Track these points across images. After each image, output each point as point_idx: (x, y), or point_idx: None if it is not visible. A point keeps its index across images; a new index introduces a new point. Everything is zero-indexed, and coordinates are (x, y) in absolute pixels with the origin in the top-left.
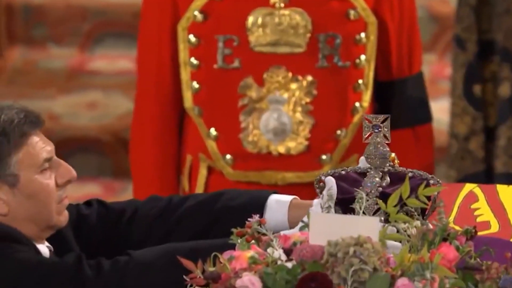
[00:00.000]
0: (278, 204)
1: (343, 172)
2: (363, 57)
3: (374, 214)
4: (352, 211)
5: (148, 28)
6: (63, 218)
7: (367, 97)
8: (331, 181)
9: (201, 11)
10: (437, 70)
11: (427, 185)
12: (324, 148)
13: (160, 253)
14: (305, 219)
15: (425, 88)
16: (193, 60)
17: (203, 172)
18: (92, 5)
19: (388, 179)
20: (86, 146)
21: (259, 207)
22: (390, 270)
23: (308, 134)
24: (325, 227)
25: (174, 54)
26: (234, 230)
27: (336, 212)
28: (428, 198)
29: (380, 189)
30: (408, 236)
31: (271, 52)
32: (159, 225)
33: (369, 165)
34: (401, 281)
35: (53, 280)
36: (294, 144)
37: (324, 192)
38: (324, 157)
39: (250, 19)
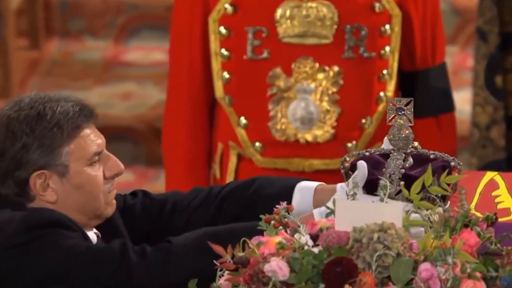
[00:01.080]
0: (304, 191)
1: (367, 154)
2: (387, 48)
3: (396, 195)
4: (374, 192)
5: (180, 20)
6: (111, 208)
7: (391, 86)
8: (362, 166)
9: (231, 4)
10: (460, 61)
11: (449, 167)
12: (350, 136)
13: (198, 237)
14: (330, 204)
15: (448, 78)
16: (224, 51)
17: (233, 160)
18: None
19: (411, 160)
20: (121, 135)
21: (288, 195)
22: (413, 255)
23: (334, 123)
24: (350, 213)
25: (205, 45)
26: (262, 216)
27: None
28: None
29: (403, 170)
30: (431, 222)
31: (298, 43)
32: (200, 215)
33: (392, 147)
34: (424, 266)
35: (100, 266)
36: (320, 132)
37: (350, 180)
38: (349, 145)
39: (279, 12)
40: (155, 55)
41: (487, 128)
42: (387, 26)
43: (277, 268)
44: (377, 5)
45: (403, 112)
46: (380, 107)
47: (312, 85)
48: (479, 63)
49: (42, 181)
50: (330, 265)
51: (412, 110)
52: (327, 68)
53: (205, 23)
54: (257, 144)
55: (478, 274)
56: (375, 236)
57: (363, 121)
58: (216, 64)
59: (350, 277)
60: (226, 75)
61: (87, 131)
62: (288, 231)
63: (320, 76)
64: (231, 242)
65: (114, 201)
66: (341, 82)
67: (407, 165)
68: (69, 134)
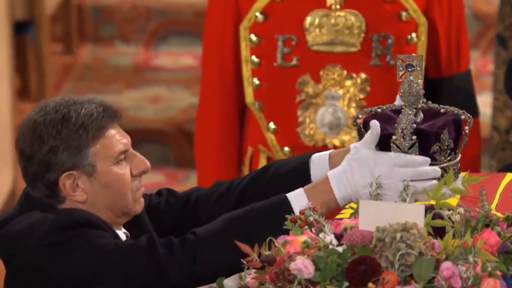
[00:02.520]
0: (319, 160)
1: (379, 110)
2: None
3: (409, 149)
4: (388, 148)
5: (212, 28)
6: (139, 206)
7: None
8: (376, 126)
9: (262, 12)
10: (481, 66)
11: (459, 120)
12: None
13: (222, 224)
14: (344, 163)
15: (473, 85)
16: (254, 58)
17: (263, 163)
18: (156, 5)
19: (422, 115)
20: (151, 137)
21: (305, 169)
22: (435, 254)
23: None
24: (374, 214)
25: (236, 52)
26: (288, 216)
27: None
28: (460, 133)
29: (415, 125)
30: (452, 222)
31: (327, 51)
32: (222, 207)
33: (403, 103)
34: (445, 265)
35: (129, 263)
36: (348, 138)
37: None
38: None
39: (308, 20)
40: (184, 60)
41: (507, 132)
42: (414, 35)
43: (303, 266)
44: (403, 14)
45: (413, 68)
46: None
47: (340, 92)
48: (499, 68)
49: (71, 182)
50: (354, 263)
51: (422, 66)
52: (354, 75)
53: (237, 30)
54: (286, 148)
55: (498, 273)
56: (398, 235)
57: None
58: (246, 71)
59: (373, 276)
60: (256, 81)
61: (112, 131)
62: (313, 231)
63: (348, 83)
64: (252, 222)
65: (142, 199)
66: (368, 89)
67: (418, 119)
68: (94, 135)
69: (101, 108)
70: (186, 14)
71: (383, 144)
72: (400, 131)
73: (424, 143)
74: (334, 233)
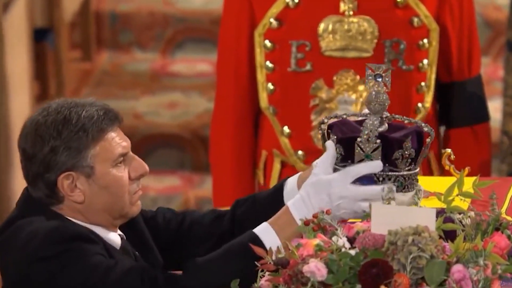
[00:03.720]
0: (290, 183)
1: (345, 116)
2: (425, 61)
3: (372, 152)
4: (352, 150)
5: (227, 34)
6: (136, 208)
7: (429, 98)
8: (331, 147)
9: (276, 19)
10: (491, 72)
11: (421, 131)
12: None
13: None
14: (302, 191)
15: (484, 90)
16: (269, 64)
17: (277, 166)
18: (173, 12)
19: (386, 126)
20: (167, 142)
21: (280, 193)
22: (446, 257)
23: None
24: (386, 217)
25: (251, 58)
26: (301, 219)
27: (337, 151)
28: (421, 145)
29: (380, 129)
30: (463, 225)
31: (340, 57)
32: (210, 240)
33: (369, 111)
34: (456, 268)
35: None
36: None
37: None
38: None
39: (322, 26)
40: (200, 66)
41: None
42: (425, 40)
43: (316, 269)
44: (415, 20)
45: (381, 78)
46: (418, 117)
47: (353, 97)
48: (509, 74)
49: (70, 182)
50: (366, 266)
51: (390, 77)
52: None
53: (251, 36)
54: (300, 152)
55: (508, 275)
56: (410, 239)
57: None
58: (261, 76)
59: (385, 278)
60: (270, 86)
61: (112, 134)
62: (326, 234)
63: (361, 88)
64: (227, 262)
65: (139, 202)
66: None
67: (382, 128)
68: (94, 137)
69: (102, 111)
70: (203, 21)
71: (348, 147)
72: (365, 133)
73: (387, 148)
74: (346, 237)
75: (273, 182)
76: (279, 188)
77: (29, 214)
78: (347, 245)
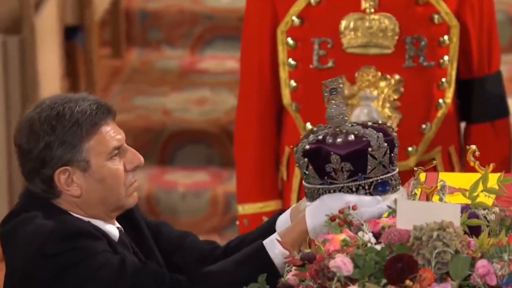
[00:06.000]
0: (282, 221)
1: (320, 137)
2: (446, 57)
3: (384, 156)
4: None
5: (250, 32)
6: (132, 199)
7: (449, 93)
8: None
9: (298, 16)
10: None
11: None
12: (410, 140)
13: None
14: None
15: (503, 86)
16: (291, 61)
17: None
18: (202, 10)
19: (341, 138)
20: (196, 138)
21: (272, 227)
22: (470, 252)
23: (395, 128)
24: (411, 213)
25: (273, 55)
26: (327, 215)
27: (344, 169)
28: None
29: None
30: (488, 221)
31: (362, 53)
32: (202, 261)
33: (330, 125)
34: (481, 263)
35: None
36: None
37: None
38: (410, 148)
39: (343, 23)
40: (228, 63)
41: None
42: (446, 37)
43: (342, 264)
44: (436, 16)
45: (335, 91)
46: (439, 113)
47: (375, 93)
48: None
49: (66, 177)
50: (392, 261)
51: (342, 86)
52: (388, 76)
53: (274, 34)
54: None
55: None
56: (435, 234)
57: (423, 126)
58: (283, 73)
59: (410, 273)
60: (293, 83)
61: (106, 127)
62: (352, 229)
63: (382, 84)
64: (234, 274)
65: (135, 193)
66: (402, 89)
67: (337, 141)
68: (88, 131)
69: (95, 105)
70: (231, 19)
71: (358, 160)
72: (375, 141)
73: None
74: (372, 232)
75: (296, 178)
76: (271, 221)
77: (32, 208)
78: (373, 240)
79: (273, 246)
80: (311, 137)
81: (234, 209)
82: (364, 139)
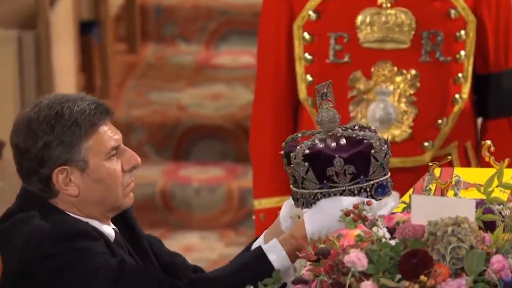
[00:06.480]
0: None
1: (317, 141)
2: (462, 52)
3: (385, 157)
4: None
5: (267, 26)
6: (129, 200)
7: (466, 89)
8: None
9: (314, 11)
10: None
11: (371, 146)
12: (426, 135)
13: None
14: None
15: None
16: (307, 55)
17: None
18: (217, 5)
19: (334, 143)
20: (211, 133)
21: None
22: (485, 247)
23: (411, 123)
24: (426, 208)
25: (290, 50)
26: (342, 210)
27: (347, 172)
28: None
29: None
30: (502, 216)
31: (378, 48)
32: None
33: (321, 129)
34: (496, 258)
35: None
36: (398, 132)
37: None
38: (426, 144)
39: (359, 18)
40: (243, 58)
41: None
42: (462, 32)
43: (356, 259)
44: (452, 11)
45: (325, 96)
46: (456, 108)
47: (391, 88)
48: None
49: (64, 177)
50: (406, 256)
51: (331, 91)
52: (404, 71)
53: (290, 29)
54: None
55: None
56: (449, 229)
57: (439, 121)
58: (300, 68)
59: (425, 268)
60: (309, 78)
61: (104, 127)
62: (366, 225)
63: (398, 79)
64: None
65: (132, 194)
66: (418, 84)
67: (331, 146)
68: (86, 131)
69: (93, 105)
70: (246, 14)
71: (362, 162)
72: (377, 143)
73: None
74: (386, 227)
75: None
76: (247, 248)
77: (29, 207)
78: (387, 235)
79: (273, 251)
80: (307, 142)
81: (248, 204)
82: (365, 141)
